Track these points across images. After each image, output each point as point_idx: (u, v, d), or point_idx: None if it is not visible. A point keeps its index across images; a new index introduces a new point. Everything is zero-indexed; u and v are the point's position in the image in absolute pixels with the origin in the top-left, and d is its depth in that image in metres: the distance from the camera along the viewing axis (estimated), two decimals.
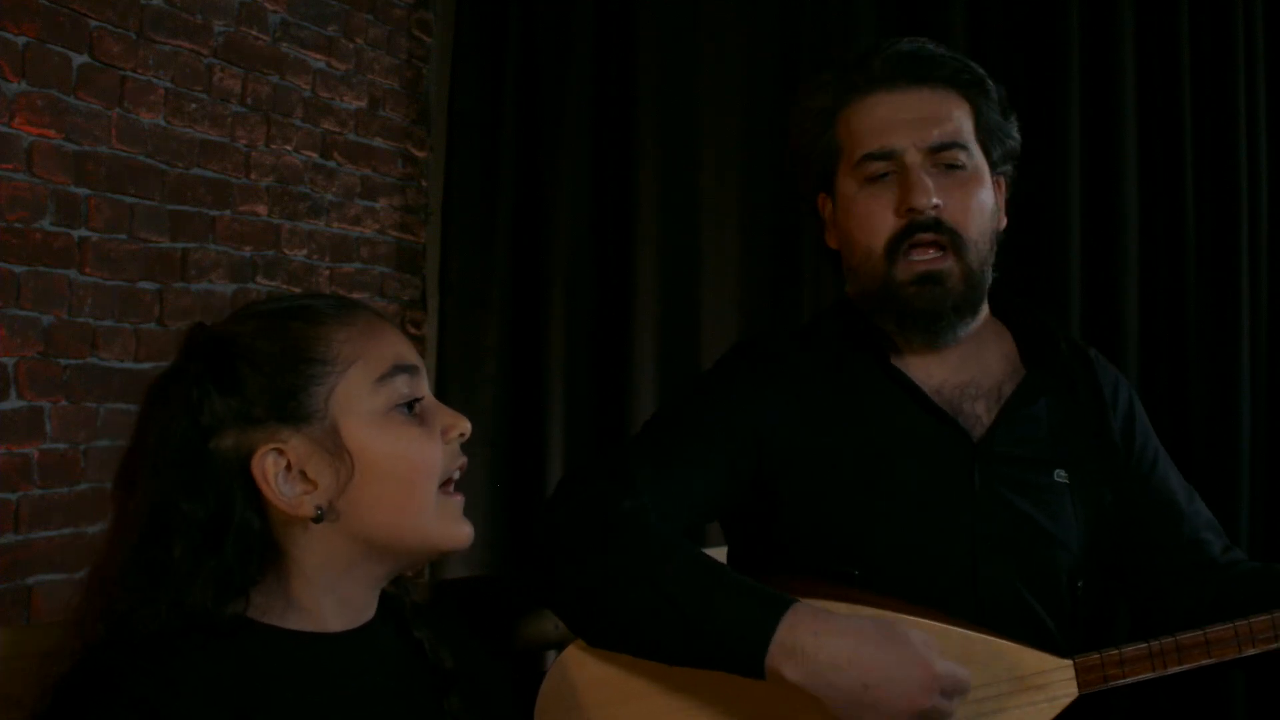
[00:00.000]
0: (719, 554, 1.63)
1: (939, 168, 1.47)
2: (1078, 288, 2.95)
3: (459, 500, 1.15)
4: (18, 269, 2.30)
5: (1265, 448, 2.85)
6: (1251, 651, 1.34)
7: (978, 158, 1.50)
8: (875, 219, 1.48)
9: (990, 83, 1.53)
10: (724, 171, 3.29)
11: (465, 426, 1.15)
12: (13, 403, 2.31)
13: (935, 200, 1.45)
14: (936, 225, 1.46)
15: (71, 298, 2.43)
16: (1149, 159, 2.96)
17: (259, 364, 1.08)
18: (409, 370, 1.13)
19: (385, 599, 1.19)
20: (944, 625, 1.31)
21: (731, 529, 1.60)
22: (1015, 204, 1.62)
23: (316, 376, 1.09)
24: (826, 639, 1.20)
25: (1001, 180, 1.56)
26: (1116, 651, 1.33)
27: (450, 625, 1.28)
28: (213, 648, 1.04)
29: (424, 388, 1.15)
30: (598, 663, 1.32)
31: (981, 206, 1.49)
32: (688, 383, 1.63)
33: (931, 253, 1.46)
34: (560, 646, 1.37)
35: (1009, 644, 1.32)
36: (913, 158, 1.47)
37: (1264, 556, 2.70)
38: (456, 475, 1.16)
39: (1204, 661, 1.33)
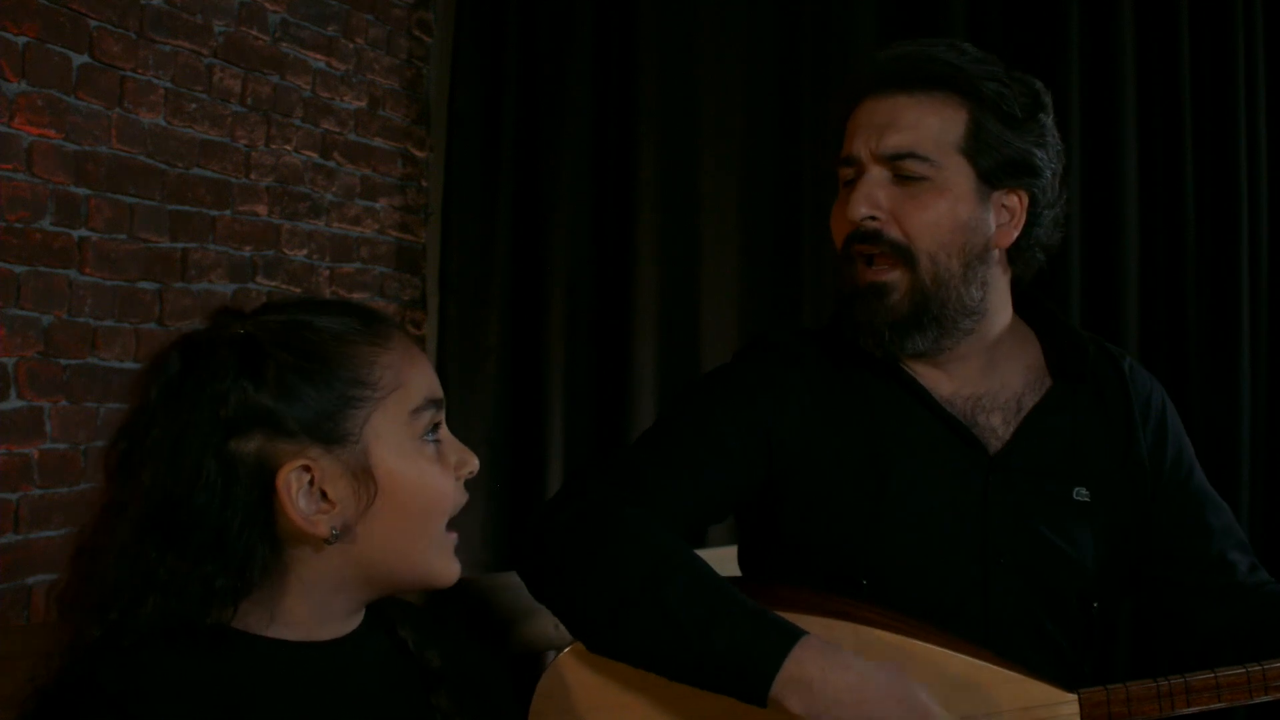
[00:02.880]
0: (726, 553, 1.62)
1: (898, 178, 1.42)
2: (1078, 288, 2.94)
3: (454, 537, 1.15)
4: (18, 269, 2.30)
5: (1265, 448, 2.84)
6: (1264, 699, 1.29)
7: (947, 169, 1.42)
8: (836, 223, 1.48)
9: (991, 89, 1.44)
10: (724, 171, 3.29)
11: (475, 465, 1.15)
12: (13, 403, 2.31)
13: (868, 212, 1.41)
14: (875, 237, 1.42)
15: (71, 298, 2.43)
16: (1149, 159, 2.95)
17: (300, 374, 1.06)
18: (438, 404, 1.13)
19: (372, 602, 1.17)
20: (949, 651, 1.29)
21: (743, 528, 1.58)
22: None
23: (357, 400, 1.07)
24: (833, 674, 1.19)
25: (1016, 193, 1.46)
26: (1123, 688, 1.29)
27: (446, 625, 1.28)
28: (198, 657, 1.03)
29: (443, 418, 1.14)
30: (594, 668, 1.31)
31: (938, 220, 1.41)
32: (700, 379, 1.61)
33: (880, 265, 1.42)
34: (560, 647, 1.37)
35: (1015, 674, 1.30)
36: (869, 165, 1.44)
37: (1264, 557, 2.71)
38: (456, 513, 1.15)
39: (1213, 705, 1.29)
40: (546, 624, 1.70)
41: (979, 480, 1.43)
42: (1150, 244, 2.94)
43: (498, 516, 3.30)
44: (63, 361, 2.41)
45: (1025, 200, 1.47)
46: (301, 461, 1.05)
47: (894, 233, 1.42)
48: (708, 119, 3.30)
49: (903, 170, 1.42)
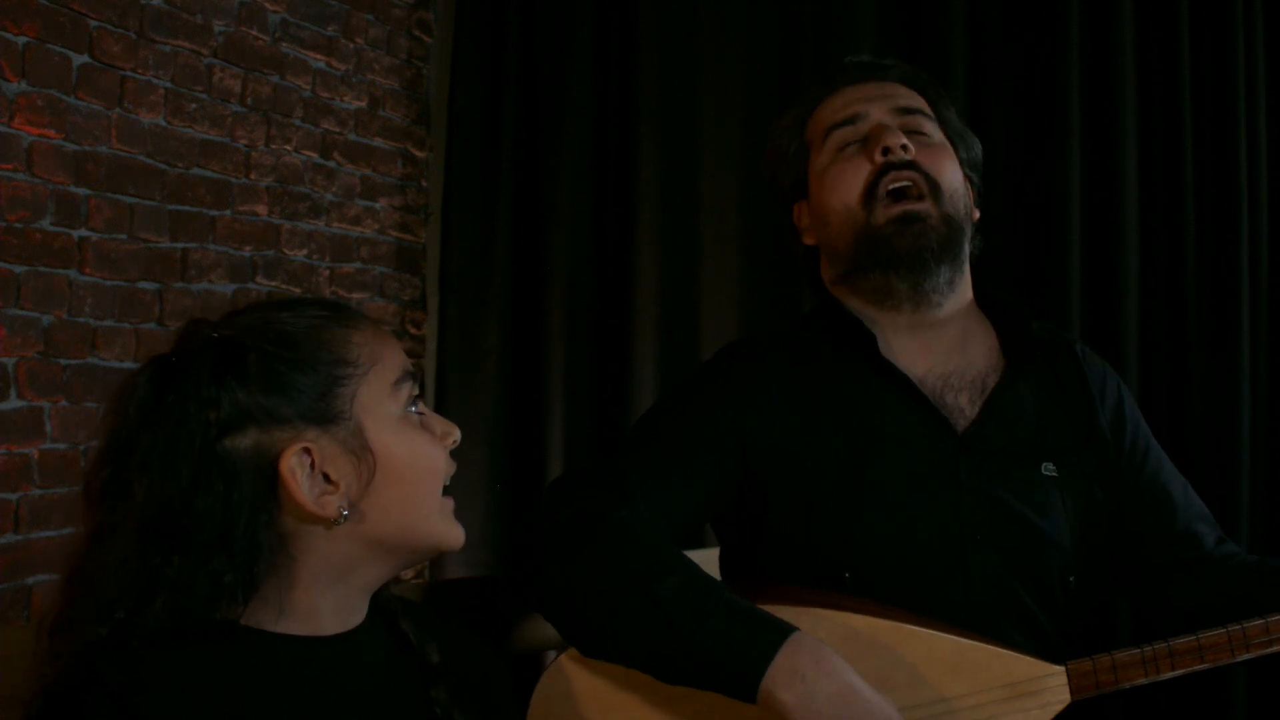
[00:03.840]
0: (713, 555, 1.63)
1: (906, 133, 1.50)
2: (1078, 288, 2.94)
3: (450, 502, 1.18)
4: (18, 269, 2.30)
5: (1265, 448, 2.85)
6: (1245, 656, 1.32)
7: (941, 137, 1.54)
8: (848, 175, 1.51)
9: (944, 94, 1.60)
10: (724, 171, 3.28)
11: (458, 434, 1.19)
12: (13, 403, 2.31)
13: (905, 142, 1.48)
14: (914, 165, 1.48)
15: (71, 298, 2.43)
16: (1149, 159, 2.95)
17: (281, 363, 1.08)
18: (414, 377, 1.16)
19: (373, 597, 1.19)
20: (938, 633, 1.30)
21: (723, 530, 1.59)
22: (1015, 203, 1.62)
23: (342, 378, 1.10)
24: (828, 669, 1.19)
25: (969, 182, 1.57)
26: (1109, 657, 1.31)
27: (446, 620, 1.28)
28: (204, 654, 1.04)
29: (419, 392, 1.18)
30: (591, 673, 1.32)
31: (953, 171, 1.51)
32: (675, 385, 1.63)
33: (911, 198, 1.47)
34: (560, 648, 1.37)
35: (1002, 651, 1.31)
36: (880, 116, 1.51)
37: (1264, 555, 2.70)
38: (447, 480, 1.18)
39: (1198, 666, 1.32)
40: (546, 625, 1.70)
41: (951, 461, 1.46)
42: (1150, 244, 2.95)
43: (498, 516, 3.29)
44: (63, 361, 2.42)
45: (972, 189, 1.58)
46: (301, 444, 1.07)
47: (924, 165, 1.49)
48: (708, 119, 3.30)
49: (914, 126, 1.51)
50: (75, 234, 2.43)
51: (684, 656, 1.23)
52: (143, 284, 2.59)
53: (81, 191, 2.43)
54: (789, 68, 3.24)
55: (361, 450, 1.09)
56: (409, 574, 3.27)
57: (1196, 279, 2.90)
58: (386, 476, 1.10)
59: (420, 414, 1.16)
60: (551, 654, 1.71)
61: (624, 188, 3.34)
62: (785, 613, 1.25)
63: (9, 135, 2.27)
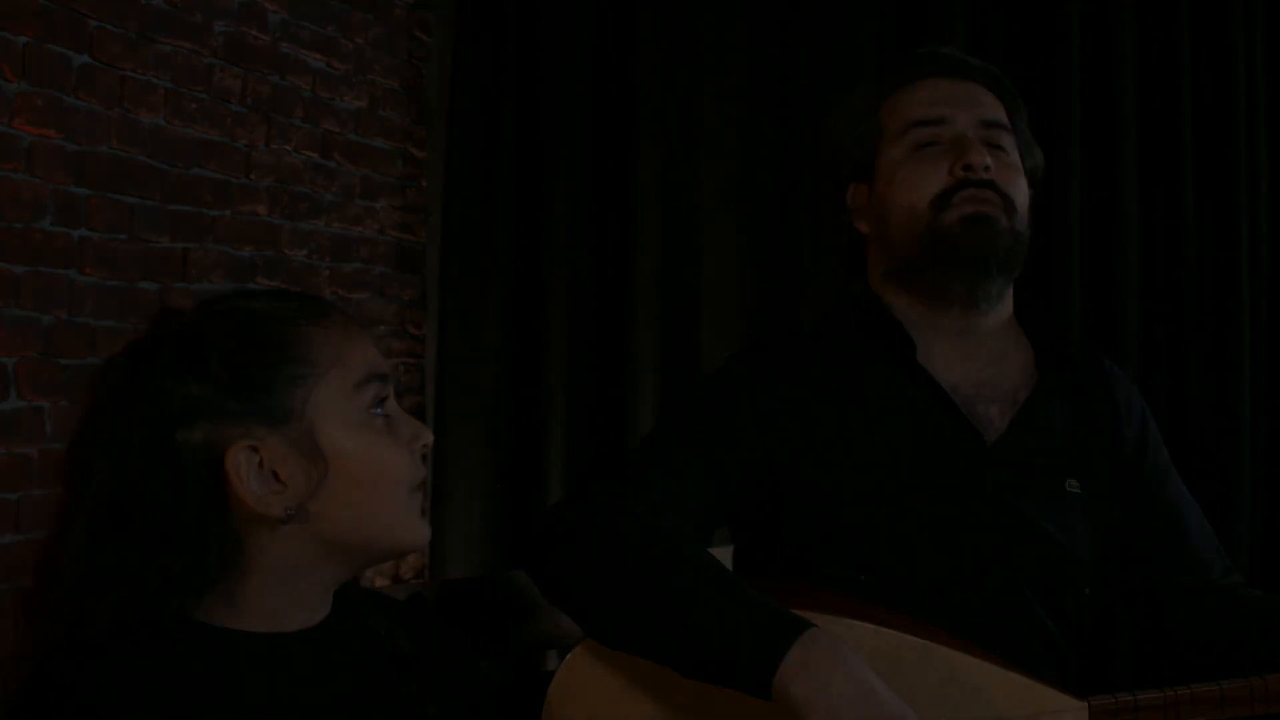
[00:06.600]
0: (725, 554, 1.63)
1: (988, 146, 1.48)
2: (1078, 288, 2.95)
3: (417, 500, 1.15)
4: (18, 269, 2.30)
5: (1265, 448, 2.85)
6: (1265, 711, 1.30)
7: (1017, 156, 1.52)
8: (923, 176, 1.47)
9: (1020, 102, 1.55)
10: (724, 172, 3.29)
11: (429, 438, 1.16)
12: (13, 403, 2.31)
13: (990, 162, 1.45)
14: (991, 185, 1.46)
15: (71, 298, 2.42)
16: (1149, 160, 2.96)
17: (238, 358, 1.07)
18: (382, 378, 1.13)
19: (339, 591, 1.17)
20: (962, 654, 1.29)
21: (739, 531, 1.58)
22: None
23: (296, 377, 1.08)
24: (843, 665, 1.16)
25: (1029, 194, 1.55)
26: (1131, 697, 1.29)
27: (421, 618, 1.27)
28: (163, 652, 1.03)
29: (391, 393, 1.15)
30: (609, 661, 1.32)
31: (1024, 192, 1.50)
32: (698, 381, 1.61)
33: (983, 201, 1.46)
34: (561, 646, 1.37)
35: (1026, 679, 1.29)
36: (965, 127, 1.48)
37: (1263, 559, 2.70)
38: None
39: (1217, 716, 1.30)
40: (547, 623, 1.70)
41: (978, 471, 1.44)
42: (1150, 245, 2.95)
43: (497, 516, 3.30)
44: (63, 361, 2.41)
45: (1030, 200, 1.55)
46: (248, 442, 1.05)
47: (1001, 184, 1.47)
48: (708, 119, 3.30)
49: (995, 140, 1.49)
50: (75, 234, 2.42)
51: (698, 651, 1.22)
52: (143, 284, 2.59)
53: (81, 191, 2.43)
54: (789, 68, 3.25)
55: (312, 452, 1.07)
56: (409, 574, 3.27)
57: (1196, 279, 2.90)
58: (341, 479, 1.08)
59: (387, 416, 1.13)
60: (553, 654, 1.71)
61: (624, 187, 3.34)
62: (816, 620, 1.23)
63: (9, 135, 2.27)
